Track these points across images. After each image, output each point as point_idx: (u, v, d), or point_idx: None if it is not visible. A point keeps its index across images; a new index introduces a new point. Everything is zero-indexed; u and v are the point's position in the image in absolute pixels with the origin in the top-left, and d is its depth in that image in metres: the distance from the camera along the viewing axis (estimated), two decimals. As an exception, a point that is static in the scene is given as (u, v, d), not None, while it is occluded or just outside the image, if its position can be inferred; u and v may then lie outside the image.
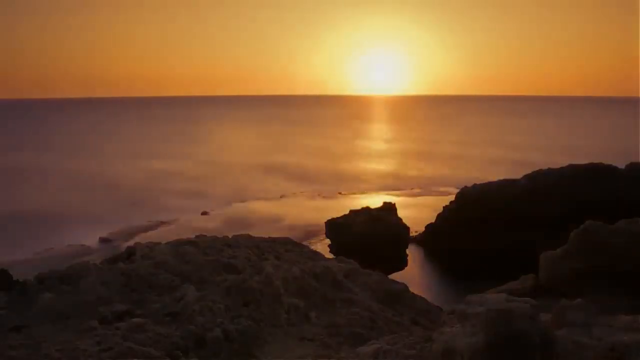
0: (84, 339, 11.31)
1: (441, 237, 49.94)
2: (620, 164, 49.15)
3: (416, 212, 62.28)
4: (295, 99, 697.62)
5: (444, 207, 52.46)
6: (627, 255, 14.86)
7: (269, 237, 22.41)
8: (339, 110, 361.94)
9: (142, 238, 46.94)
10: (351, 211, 42.76)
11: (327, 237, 43.55)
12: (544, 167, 50.79)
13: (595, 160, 50.45)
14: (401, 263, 40.90)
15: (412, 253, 45.76)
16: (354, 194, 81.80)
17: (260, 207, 71.15)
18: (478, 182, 52.03)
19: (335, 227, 41.51)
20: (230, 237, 20.95)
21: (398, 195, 75.75)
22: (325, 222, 43.07)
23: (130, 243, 28.08)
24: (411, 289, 19.79)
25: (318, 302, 15.24)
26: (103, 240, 54.41)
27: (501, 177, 52.32)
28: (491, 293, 10.60)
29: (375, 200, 54.88)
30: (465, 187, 52.34)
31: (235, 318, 12.98)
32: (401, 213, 43.78)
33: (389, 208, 42.94)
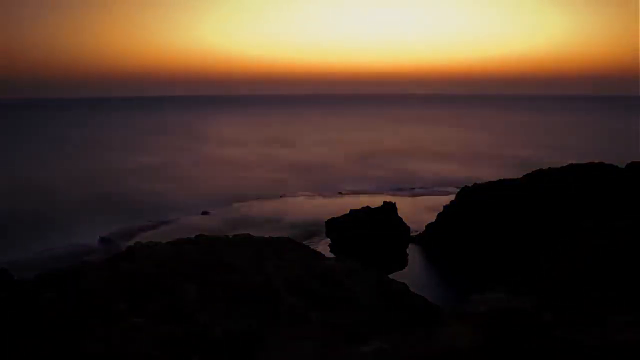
0: (84, 338, 11.31)
1: (441, 237, 49.98)
2: (621, 164, 49.19)
3: (416, 212, 62.35)
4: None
5: (444, 206, 52.52)
6: (627, 255, 14.86)
7: (269, 237, 22.37)
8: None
9: (142, 238, 46.98)
10: (351, 211, 42.74)
11: (327, 236, 43.55)
12: (544, 167, 50.86)
13: (595, 160, 50.50)
14: (401, 263, 40.90)
15: (412, 253, 45.78)
16: (354, 193, 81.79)
17: (260, 207, 71.18)
18: (478, 182, 52.09)
19: (336, 227, 41.49)
20: (230, 237, 20.92)
21: (398, 195, 75.82)
22: (326, 222, 43.06)
23: (130, 243, 28.08)
24: (411, 289, 19.75)
25: (318, 301, 15.24)
26: (103, 240, 54.45)
27: (501, 177, 52.37)
28: (491, 293, 10.60)
29: (375, 200, 54.88)
30: (466, 186, 52.44)
31: (236, 318, 12.98)
32: (401, 213, 43.78)
33: (389, 208, 42.91)
